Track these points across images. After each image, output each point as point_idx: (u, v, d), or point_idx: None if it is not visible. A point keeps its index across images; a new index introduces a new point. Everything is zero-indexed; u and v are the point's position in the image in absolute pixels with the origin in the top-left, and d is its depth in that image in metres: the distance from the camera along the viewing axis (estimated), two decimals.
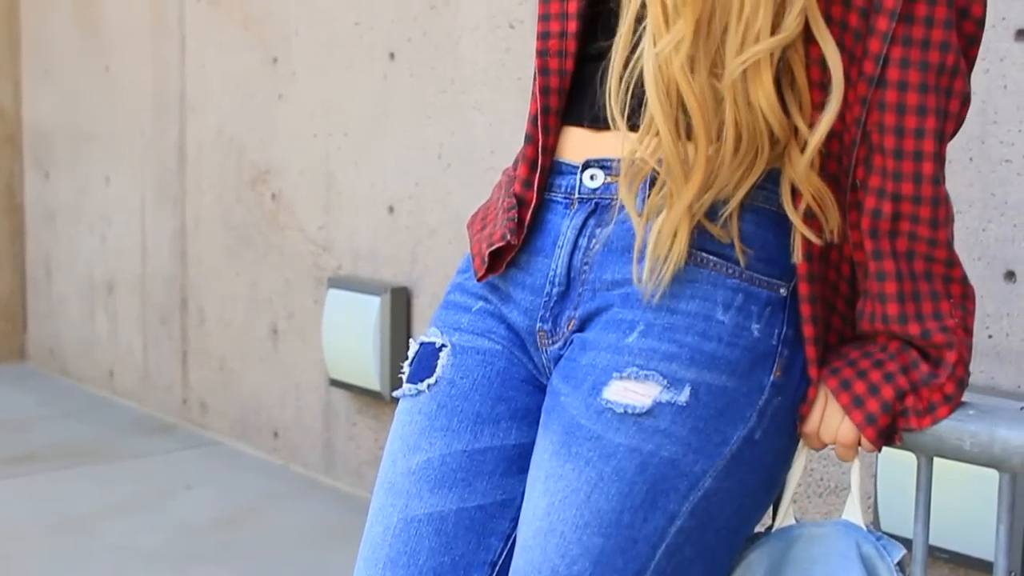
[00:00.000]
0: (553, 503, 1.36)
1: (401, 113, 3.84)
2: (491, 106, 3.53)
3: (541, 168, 1.45)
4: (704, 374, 1.34)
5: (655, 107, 1.29)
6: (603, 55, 1.42)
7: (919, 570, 1.44)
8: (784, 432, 1.40)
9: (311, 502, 4.01)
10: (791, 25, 1.28)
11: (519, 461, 1.47)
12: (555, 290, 1.44)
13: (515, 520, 1.46)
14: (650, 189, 1.35)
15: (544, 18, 1.45)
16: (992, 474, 1.43)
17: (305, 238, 4.25)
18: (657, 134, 1.31)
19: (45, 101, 5.75)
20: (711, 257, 1.36)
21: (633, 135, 1.32)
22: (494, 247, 1.46)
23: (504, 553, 1.46)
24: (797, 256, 1.35)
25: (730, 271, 1.36)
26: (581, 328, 1.42)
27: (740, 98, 1.29)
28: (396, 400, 1.55)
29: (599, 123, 1.42)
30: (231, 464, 4.43)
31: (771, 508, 1.47)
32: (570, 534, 1.35)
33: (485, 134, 3.56)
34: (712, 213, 1.35)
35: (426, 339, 1.55)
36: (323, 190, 4.16)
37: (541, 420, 1.43)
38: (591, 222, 1.42)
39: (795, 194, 1.35)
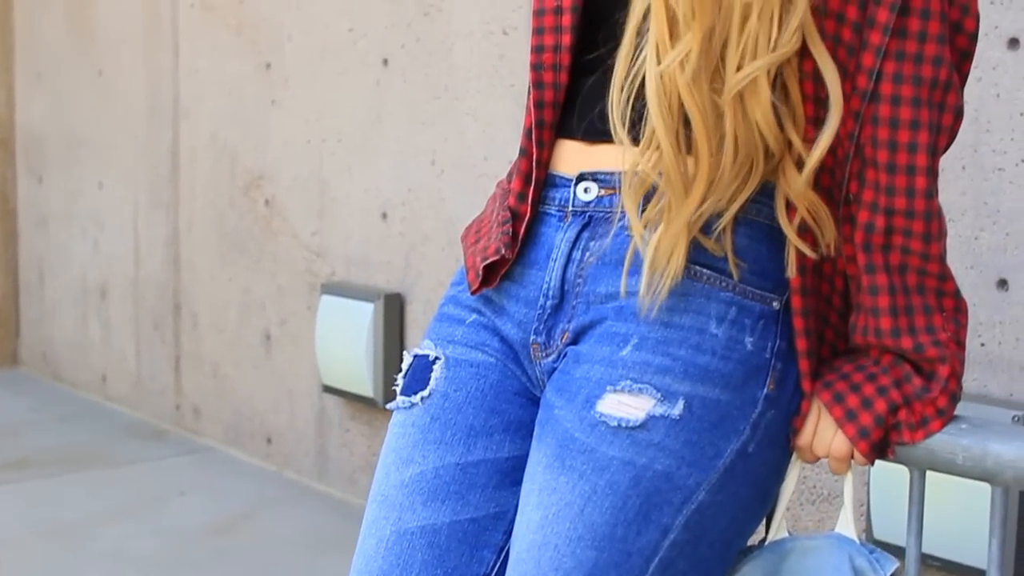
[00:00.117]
0: (547, 516, 1.36)
1: (394, 119, 3.84)
2: (484, 112, 3.53)
3: (535, 181, 1.45)
4: (698, 387, 1.34)
5: (656, 120, 1.29)
6: (597, 68, 1.42)
7: None
8: (777, 445, 1.40)
9: (304, 508, 4.01)
10: (790, 40, 1.28)
11: (512, 474, 1.47)
12: (549, 303, 1.44)
13: (508, 533, 1.46)
14: (645, 202, 1.35)
15: (538, 31, 1.45)
16: (985, 484, 1.43)
17: (298, 244, 4.25)
18: (658, 147, 1.30)
19: (38, 105, 5.75)
20: (705, 270, 1.36)
21: (634, 148, 1.32)
22: (488, 261, 1.46)
23: (497, 566, 1.46)
24: (791, 270, 1.36)
25: (723, 284, 1.36)
26: (575, 341, 1.42)
27: (739, 112, 1.29)
28: (389, 406, 1.55)
29: (593, 136, 1.42)
30: (224, 470, 4.43)
31: (764, 521, 1.47)
32: (564, 547, 1.35)
33: (478, 140, 3.56)
34: (706, 227, 1.35)
35: (420, 352, 1.55)
36: (316, 196, 4.16)
37: (535, 433, 1.43)
38: (585, 235, 1.42)
39: (789, 208, 1.35)
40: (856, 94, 1.33)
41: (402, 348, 3.83)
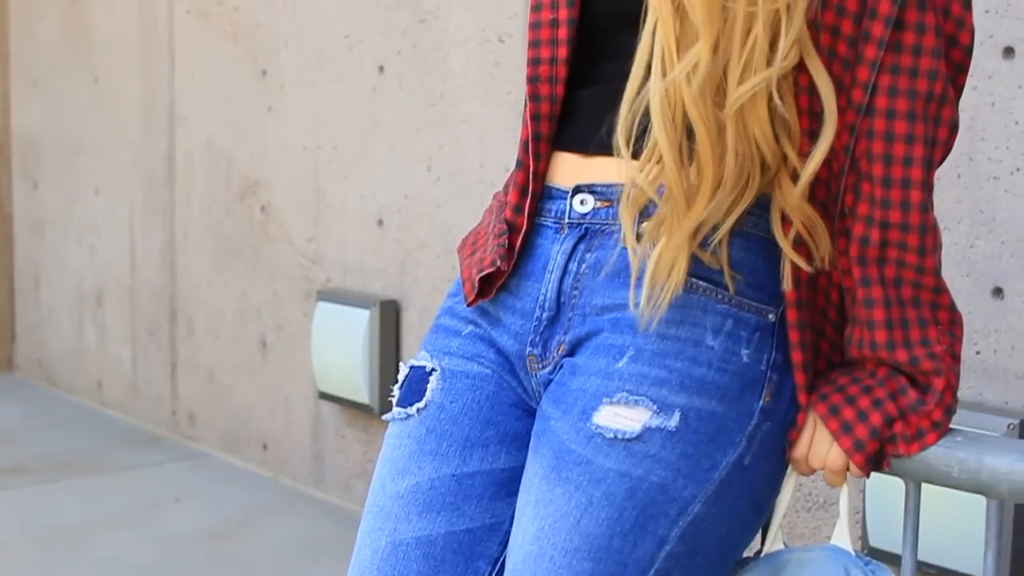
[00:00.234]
0: (543, 527, 1.37)
1: (390, 126, 3.84)
2: (480, 119, 3.54)
3: (532, 194, 1.46)
4: (694, 399, 1.35)
5: (660, 133, 1.29)
6: (594, 81, 1.42)
7: None
8: (773, 457, 1.40)
9: (300, 515, 4.01)
10: (789, 54, 1.28)
11: (508, 485, 1.48)
12: (545, 315, 1.44)
13: (503, 544, 1.46)
14: (641, 216, 1.35)
15: (534, 44, 1.45)
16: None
17: (294, 250, 4.25)
18: (659, 161, 1.30)
19: (34, 111, 5.75)
20: (701, 283, 1.36)
21: (634, 162, 1.32)
22: (484, 273, 1.46)
23: None
24: (787, 283, 1.36)
25: (719, 296, 1.37)
26: (571, 353, 1.42)
27: (739, 126, 1.29)
28: (385, 413, 1.55)
29: (589, 148, 1.42)
30: (220, 476, 4.42)
31: (760, 533, 1.48)
32: (560, 559, 1.35)
33: (474, 147, 3.56)
34: (703, 239, 1.35)
35: (416, 363, 1.55)
36: (312, 202, 4.16)
37: (531, 444, 1.43)
38: (581, 247, 1.42)
39: (785, 220, 1.35)
40: (851, 108, 1.33)
41: (398, 355, 3.83)
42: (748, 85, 1.27)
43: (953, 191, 2.49)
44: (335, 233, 4.08)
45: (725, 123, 1.28)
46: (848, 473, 1.40)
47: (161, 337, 4.96)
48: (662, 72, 1.28)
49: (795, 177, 1.33)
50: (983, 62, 2.44)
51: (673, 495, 1.34)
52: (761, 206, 1.37)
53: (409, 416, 1.51)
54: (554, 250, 1.44)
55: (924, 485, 1.44)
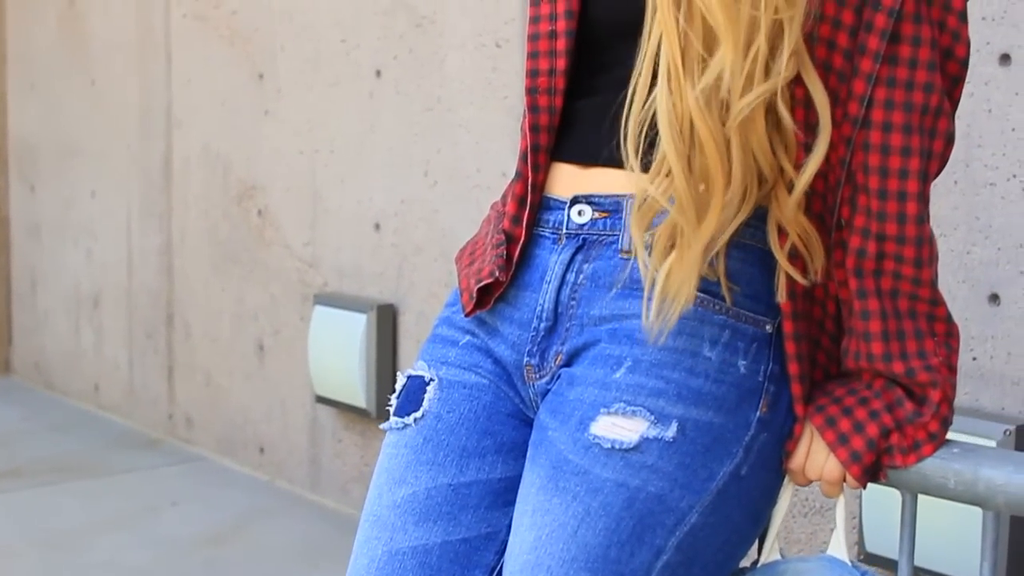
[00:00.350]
0: (540, 537, 1.37)
1: (387, 130, 3.85)
2: (477, 124, 3.54)
3: (530, 205, 1.46)
4: (691, 410, 1.35)
5: (668, 146, 1.29)
6: (592, 92, 1.43)
7: None
8: (770, 468, 1.40)
9: (297, 518, 4.01)
10: (787, 66, 1.29)
11: (504, 495, 1.48)
12: (542, 325, 1.44)
13: (499, 553, 1.47)
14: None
15: (533, 55, 1.45)
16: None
17: (291, 254, 4.25)
18: (668, 173, 1.30)
19: (31, 114, 5.75)
20: (698, 293, 1.36)
21: (644, 175, 1.32)
22: (482, 283, 1.47)
23: None
24: (781, 295, 1.36)
25: (717, 307, 1.37)
26: (568, 363, 1.42)
27: (741, 139, 1.29)
28: (382, 417, 1.56)
29: (587, 159, 1.43)
30: (217, 480, 4.42)
31: (757, 543, 1.48)
32: (557, 568, 1.35)
33: (471, 152, 3.56)
34: None
35: (413, 372, 1.55)
36: (309, 207, 4.16)
37: (528, 454, 1.43)
38: (578, 257, 1.43)
39: (781, 233, 1.35)
40: (847, 120, 1.33)
41: (395, 359, 3.83)
42: (750, 97, 1.27)
43: (949, 197, 2.50)
44: (332, 237, 4.08)
45: (730, 136, 1.29)
46: (845, 484, 1.40)
47: (158, 340, 4.96)
48: (668, 85, 1.28)
49: (791, 189, 1.33)
50: (980, 69, 2.44)
51: (670, 505, 1.35)
52: (758, 217, 1.37)
53: (406, 426, 1.52)
54: (552, 260, 1.44)
55: (921, 496, 1.44)
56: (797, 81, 1.31)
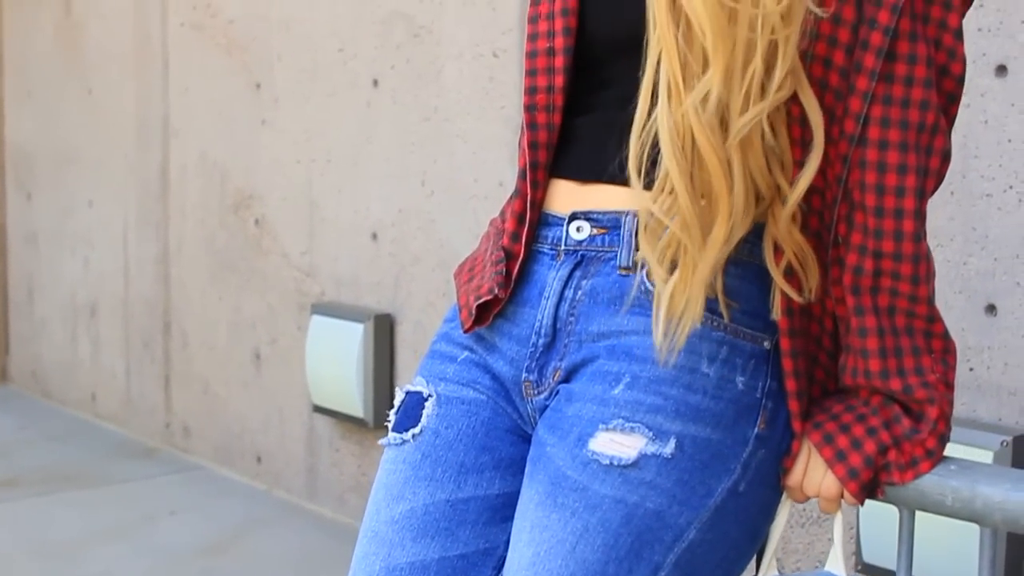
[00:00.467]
0: (539, 553, 1.37)
1: (384, 140, 3.85)
2: (474, 134, 3.54)
3: (529, 222, 1.46)
4: (689, 426, 1.35)
5: (671, 164, 1.28)
6: (590, 109, 1.43)
7: None
8: (768, 484, 1.41)
9: (294, 528, 4.01)
10: (784, 84, 1.29)
11: (502, 510, 1.48)
12: (541, 341, 1.45)
13: (497, 569, 1.47)
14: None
15: (531, 72, 1.45)
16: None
17: (288, 264, 4.26)
18: (672, 191, 1.30)
19: (28, 123, 5.75)
20: None
21: (646, 193, 1.31)
22: (481, 300, 1.47)
23: None
24: (776, 312, 1.36)
25: (715, 324, 1.37)
26: (567, 379, 1.42)
27: (741, 156, 1.29)
28: (379, 427, 1.56)
29: (585, 176, 1.43)
30: (214, 489, 4.42)
31: (754, 559, 1.48)
32: None
33: (468, 162, 3.56)
34: None
35: (412, 388, 1.55)
36: (306, 216, 4.16)
37: (526, 470, 1.43)
38: (577, 274, 1.43)
39: (777, 250, 1.36)
40: (844, 138, 1.33)
41: (392, 368, 3.84)
42: (749, 115, 1.27)
43: (946, 208, 2.50)
44: (329, 247, 4.08)
45: (730, 153, 1.29)
46: (842, 500, 1.40)
47: (155, 349, 4.96)
48: (669, 103, 1.28)
49: (785, 205, 1.34)
50: (976, 80, 2.44)
51: (668, 522, 1.35)
52: (756, 234, 1.37)
53: (404, 441, 1.52)
54: (550, 277, 1.44)
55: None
56: (793, 99, 1.32)
